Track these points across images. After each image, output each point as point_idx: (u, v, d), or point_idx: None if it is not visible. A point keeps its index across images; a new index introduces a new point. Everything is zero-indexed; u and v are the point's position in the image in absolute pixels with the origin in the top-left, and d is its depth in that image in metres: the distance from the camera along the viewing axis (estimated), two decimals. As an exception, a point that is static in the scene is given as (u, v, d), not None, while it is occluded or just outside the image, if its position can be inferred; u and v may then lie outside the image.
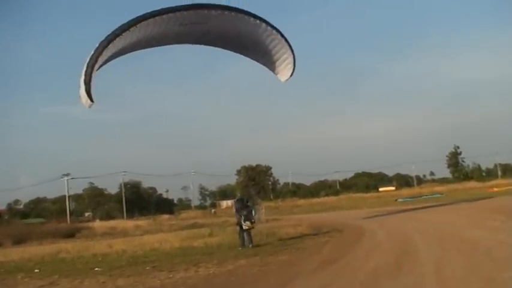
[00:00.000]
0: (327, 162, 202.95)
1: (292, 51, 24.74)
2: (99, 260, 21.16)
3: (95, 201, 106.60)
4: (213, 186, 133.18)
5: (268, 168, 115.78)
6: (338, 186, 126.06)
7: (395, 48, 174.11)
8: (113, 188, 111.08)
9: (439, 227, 22.77)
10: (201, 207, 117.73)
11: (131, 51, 23.60)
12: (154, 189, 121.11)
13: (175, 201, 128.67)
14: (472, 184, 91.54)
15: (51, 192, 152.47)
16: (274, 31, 23.70)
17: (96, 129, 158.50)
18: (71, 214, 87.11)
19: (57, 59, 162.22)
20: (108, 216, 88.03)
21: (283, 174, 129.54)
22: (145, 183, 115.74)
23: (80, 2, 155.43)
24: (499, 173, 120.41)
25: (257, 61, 26.21)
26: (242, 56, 26.20)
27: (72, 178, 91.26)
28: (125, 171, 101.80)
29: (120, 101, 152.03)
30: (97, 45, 20.14)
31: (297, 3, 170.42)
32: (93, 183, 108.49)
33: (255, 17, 22.83)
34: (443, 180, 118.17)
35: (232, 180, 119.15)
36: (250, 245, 20.80)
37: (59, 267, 19.24)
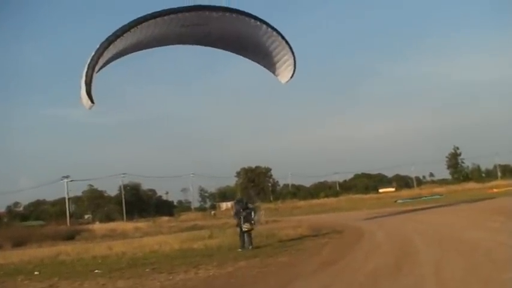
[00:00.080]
0: (326, 163, 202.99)
1: (292, 52, 24.80)
2: (98, 262, 21.16)
3: (95, 203, 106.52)
4: (212, 188, 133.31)
5: (268, 169, 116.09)
6: (338, 188, 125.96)
7: (395, 49, 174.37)
8: (112, 190, 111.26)
9: (438, 228, 22.78)
10: (200, 209, 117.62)
11: (132, 52, 23.66)
12: (153, 191, 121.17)
13: (175, 203, 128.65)
14: (471, 185, 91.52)
15: (50, 194, 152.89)
16: (274, 33, 23.75)
17: (95, 131, 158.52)
18: (70, 216, 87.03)
19: (57, 61, 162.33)
20: (108, 219, 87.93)
21: (283, 176, 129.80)
22: (145, 185, 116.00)
23: (80, 3, 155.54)
24: (499, 174, 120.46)
25: (257, 62, 26.26)
26: (242, 57, 26.25)
27: (71, 180, 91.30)
28: (124, 173, 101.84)
29: (119, 103, 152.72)
30: (98, 46, 20.17)
31: (297, 4, 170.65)
32: (92, 186, 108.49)
33: (256, 18, 22.88)
34: (442, 182, 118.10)
35: (232, 182, 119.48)
36: (250, 247, 20.81)
37: (59, 270, 19.25)
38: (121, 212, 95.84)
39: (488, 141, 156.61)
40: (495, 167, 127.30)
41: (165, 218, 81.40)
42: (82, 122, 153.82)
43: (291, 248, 20.22)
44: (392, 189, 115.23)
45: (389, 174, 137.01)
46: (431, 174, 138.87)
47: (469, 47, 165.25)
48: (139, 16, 20.59)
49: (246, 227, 21.31)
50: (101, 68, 21.52)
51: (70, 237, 45.32)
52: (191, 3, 21.64)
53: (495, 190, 66.03)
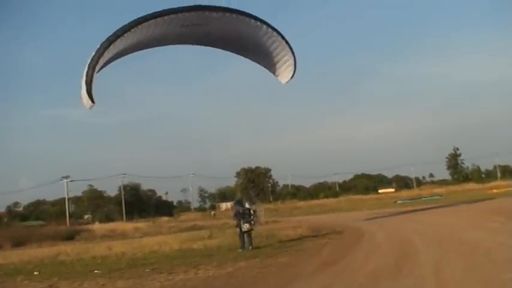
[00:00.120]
0: (326, 164, 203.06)
1: (293, 53, 24.80)
2: (98, 262, 21.16)
3: (95, 203, 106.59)
4: (212, 188, 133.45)
5: (268, 170, 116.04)
6: (337, 188, 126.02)
7: (395, 49, 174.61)
8: (112, 191, 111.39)
9: (438, 229, 22.78)
10: (200, 209, 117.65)
11: (132, 52, 23.67)
12: (153, 192, 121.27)
13: (174, 204, 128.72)
14: (471, 186, 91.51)
15: (50, 194, 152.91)
16: (275, 33, 23.76)
17: (95, 131, 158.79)
18: (70, 216, 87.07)
19: (57, 61, 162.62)
20: (108, 219, 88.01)
21: (283, 176, 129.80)
22: (145, 186, 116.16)
23: (80, 4, 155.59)
24: (498, 174, 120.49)
25: (258, 63, 26.26)
26: (243, 57, 26.25)
27: (71, 180, 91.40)
28: (124, 174, 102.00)
29: (119, 103, 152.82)
30: (98, 46, 20.19)
31: (297, 4, 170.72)
32: (92, 186, 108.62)
33: (256, 19, 22.89)
34: (442, 182, 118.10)
35: (232, 182, 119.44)
36: (250, 247, 20.81)
37: (59, 270, 19.24)
38: (121, 212, 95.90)
39: (488, 141, 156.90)
40: (495, 167, 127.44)
41: (165, 218, 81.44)
42: (82, 122, 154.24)
43: (291, 248, 20.22)
44: (392, 190, 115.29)
45: (389, 174, 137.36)
46: (431, 175, 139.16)
47: (469, 47, 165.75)
48: (139, 16, 20.62)
49: (245, 227, 21.32)
50: (102, 67, 21.53)
51: (70, 237, 45.32)
52: (191, 3, 21.68)
53: (495, 191, 66.07)
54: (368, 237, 22.54)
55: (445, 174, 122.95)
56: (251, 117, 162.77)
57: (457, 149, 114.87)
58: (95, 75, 20.37)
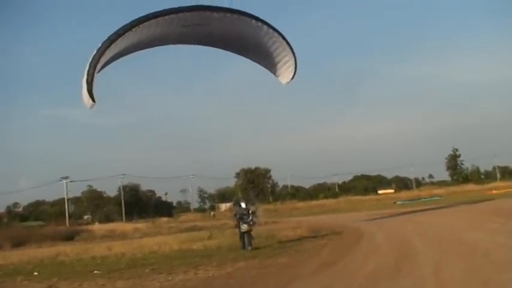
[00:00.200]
0: (325, 164, 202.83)
1: (293, 53, 24.82)
2: (98, 262, 21.17)
3: (94, 204, 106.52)
4: (212, 189, 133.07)
5: (267, 170, 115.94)
6: (337, 189, 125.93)
7: (396, 50, 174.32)
8: (111, 191, 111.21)
9: (438, 230, 22.79)
10: (200, 210, 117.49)
11: (134, 52, 23.69)
12: (153, 192, 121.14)
13: (174, 204, 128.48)
14: (470, 187, 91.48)
15: (50, 195, 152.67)
16: (275, 33, 23.78)
17: (95, 131, 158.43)
18: (70, 217, 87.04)
19: (57, 61, 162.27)
20: (107, 219, 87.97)
21: (282, 177, 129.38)
22: (144, 186, 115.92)
23: (81, 4, 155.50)
24: (498, 175, 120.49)
25: (258, 63, 26.28)
26: (243, 57, 26.26)
27: (71, 181, 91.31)
28: (123, 174, 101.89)
29: (118, 104, 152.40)
30: (99, 46, 20.21)
31: (297, 5, 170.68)
32: (92, 186, 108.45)
33: (257, 19, 22.92)
34: (442, 183, 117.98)
35: (232, 183, 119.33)
36: (250, 248, 20.81)
37: (58, 270, 19.25)
38: (120, 212, 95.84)
39: (487, 142, 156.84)
40: (494, 168, 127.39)
41: (164, 219, 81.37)
42: (82, 123, 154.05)
43: (290, 249, 20.24)
44: (392, 191, 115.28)
45: (389, 175, 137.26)
46: (431, 176, 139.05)
47: (469, 49, 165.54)
48: (140, 16, 20.65)
49: (244, 228, 21.34)
50: (103, 67, 21.56)
51: (69, 237, 45.32)
52: (192, 4, 21.72)
53: (494, 192, 66.09)
54: (367, 237, 22.55)
55: (445, 175, 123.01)
56: (251, 117, 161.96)
57: (457, 150, 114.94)
58: (96, 74, 20.39)
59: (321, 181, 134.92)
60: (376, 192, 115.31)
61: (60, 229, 55.03)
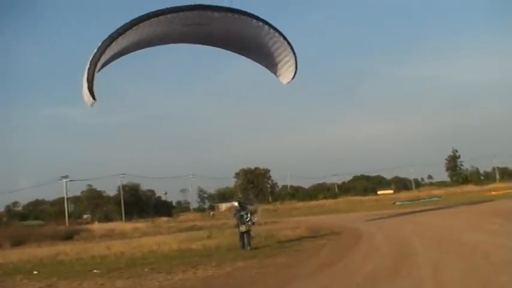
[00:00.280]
0: (325, 165, 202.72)
1: (294, 54, 24.83)
2: (97, 262, 21.16)
3: (94, 203, 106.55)
4: (211, 188, 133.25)
5: (267, 171, 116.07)
6: (336, 189, 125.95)
7: (396, 50, 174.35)
8: (111, 190, 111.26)
9: (437, 230, 22.80)
10: (199, 209, 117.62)
11: (134, 51, 23.69)
12: (152, 192, 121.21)
13: (173, 204, 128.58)
14: (470, 188, 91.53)
15: (49, 194, 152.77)
16: (276, 33, 23.79)
17: (95, 131, 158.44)
18: (69, 216, 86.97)
19: (57, 61, 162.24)
20: (107, 219, 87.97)
21: (282, 177, 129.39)
22: (144, 186, 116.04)
23: (81, 4, 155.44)
24: (497, 176, 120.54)
25: (259, 63, 26.28)
26: (244, 57, 26.26)
27: (70, 180, 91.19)
28: (123, 174, 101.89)
29: (118, 103, 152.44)
30: (100, 44, 20.22)
31: (297, 5, 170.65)
32: (91, 186, 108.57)
33: (258, 19, 22.93)
34: (441, 184, 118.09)
35: (231, 183, 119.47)
36: (249, 248, 20.83)
37: (58, 269, 19.26)
38: (120, 212, 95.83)
39: (486, 143, 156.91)
40: (494, 169, 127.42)
41: (164, 219, 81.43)
42: (81, 122, 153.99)
43: (290, 249, 20.25)
44: (391, 191, 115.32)
45: (388, 176, 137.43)
46: (430, 177, 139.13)
47: (469, 49, 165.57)
48: (141, 14, 20.67)
49: (242, 228, 21.38)
50: (103, 65, 21.56)
51: (69, 237, 45.31)
52: (194, 3, 21.72)
53: (493, 193, 66.07)
54: (366, 238, 22.56)
55: (444, 176, 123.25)
56: (251, 117, 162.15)
57: (456, 151, 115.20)
58: (96, 72, 20.41)
59: (321, 181, 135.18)
60: (376, 192, 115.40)
61: (60, 228, 55.05)
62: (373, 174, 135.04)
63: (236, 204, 23.46)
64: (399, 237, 21.07)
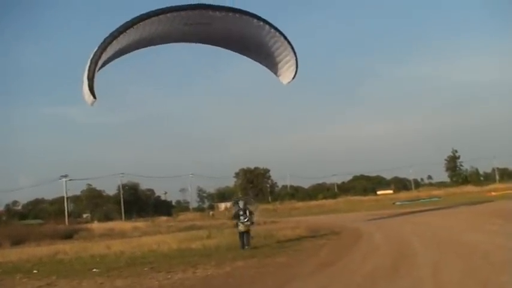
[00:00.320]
0: (325, 165, 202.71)
1: (295, 54, 24.82)
2: (97, 261, 21.16)
3: (93, 202, 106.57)
4: (211, 188, 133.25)
5: (267, 170, 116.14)
6: (336, 189, 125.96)
7: (396, 50, 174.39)
8: (111, 190, 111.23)
9: (437, 231, 22.81)
10: (199, 209, 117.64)
11: (135, 49, 23.69)
12: (152, 191, 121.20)
13: (173, 203, 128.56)
14: (469, 188, 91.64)
15: (49, 193, 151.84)
16: (277, 33, 23.80)
17: (95, 130, 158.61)
18: (69, 215, 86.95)
19: (57, 60, 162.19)
20: (106, 218, 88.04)
21: (282, 177, 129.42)
22: (144, 185, 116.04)
23: (81, 3, 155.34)
24: (497, 177, 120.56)
25: (260, 62, 26.28)
26: (245, 57, 26.26)
27: (70, 179, 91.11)
28: (123, 173, 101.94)
29: (118, 103, 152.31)
30: (101, 42, 20.22)
31: (297, 5, 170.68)
32: (91, 185, 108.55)
33: (259, 18, 22.94)
34: (441, 184, 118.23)
35: (231, 182, 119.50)
36: (247, 247, 20.83)
37: (57, 268, 19.25)
38: (119, 211, 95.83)
39: (486, 144, 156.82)
40: (493, 170, 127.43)
41: (164, 218, 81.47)
42: (81, 121, 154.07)
43: (289, 248, 20.25)
44: (391, 192, 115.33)
45: (388, 176, 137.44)
46: (430, 177, 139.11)
47: (469, 49, 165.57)
48: (142, 13, 20.68)
49: (240, 228, 21.39)
50: (104, 64, 21.57)
51: (68, 236, 45.25)
52: (195, 2, 21.72)
53: (493, 193, 66.16)
54: (366, 238, 22.57)
55: (444, 176, 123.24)
56: (250, 117, 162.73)
57: (456, 151, 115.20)
58: (97, 70, 20.41)
59: (320, 181, 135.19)
60: (375, 192, 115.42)
61: (60, 227, 55.03)
62: (373, 174, 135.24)
63: (234, 204, 23.45)
64: (399, 237, 21.08)
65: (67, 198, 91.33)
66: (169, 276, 14.83)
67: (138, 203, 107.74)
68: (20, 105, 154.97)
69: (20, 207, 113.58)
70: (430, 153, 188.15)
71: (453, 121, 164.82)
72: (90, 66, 20.05)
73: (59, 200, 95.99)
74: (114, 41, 20.27)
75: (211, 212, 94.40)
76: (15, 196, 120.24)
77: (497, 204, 41.60)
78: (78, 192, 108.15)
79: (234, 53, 26.01)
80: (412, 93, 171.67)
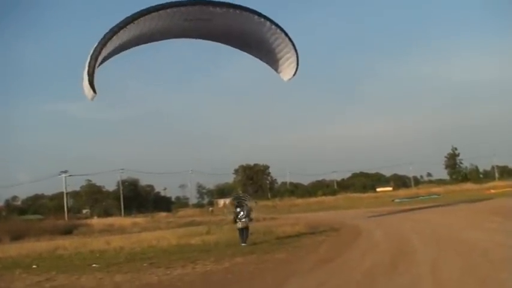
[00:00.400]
0: (324, 162, 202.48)
1: (295, 50, 24.77)
2: (96, 256, 21.21)
3: (93, 198, 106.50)
4: (210, 184, 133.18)
5: (266, 167, 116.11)
6: (335, 186, 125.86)
7: (396, 50, 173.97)
8: (110, 185, 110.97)
9: (436, 228, 22.83)
10: (198, 205, 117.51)
11: (135, 45, 23.65)
12: (152, 187, 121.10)
13: (173, 199, 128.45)
14: (469, 186, 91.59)
15: (49, 189, 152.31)
16: (278, 30, 23.75)
17: (94, 126, 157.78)
18: (68, 211, 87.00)
19: (57, 56, 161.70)
20: (106, 214, 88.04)
21: (281, 174, 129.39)
22: (143, 181, 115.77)
23: (80, 1, 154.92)
24: (496, 175, 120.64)
25: (260, 59, 26.24)
26: (245, 53, 26.22)
27: (70, 175, 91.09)
28: (122, 169, 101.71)
29: (118, 99, 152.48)
30: (101, 38, 20.18)
31: (297, 3, 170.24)
32: (90, 181, 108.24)
33: (260, 15, 22.90)
34: (440, 182, 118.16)
35: (230, 179, 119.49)
36: (244, 244, 20.85)
37: (57, 264, 19.29)
38: (119, 207, 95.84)
39: (486, 142, 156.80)
40: (493, 168, 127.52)
41: (163, 214, 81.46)
42: (81, 117, 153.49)
43: (288, 245, 20.29)
44: (390, 189, 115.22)
45: (387, 173, 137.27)
46: (429, 174, 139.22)
47: (469, 49, 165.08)
48: (142, 9, 20.65)
49: (239, 224, 21.43)
50: (104, 60, 21.53)
51: (68, 231, 45.25)
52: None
53: (493, 191, 66.10)
54: (365, 235, 22.60)
55: (443, 174, 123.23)
56: (251, 114, 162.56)
57: (456, 148, 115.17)
58: (97, 66, 20.39)
59: (320, 178, 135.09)
60: (375, 189, 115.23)
61: (59, 223, 55.05)
62: (373, 171, 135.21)
63: (234, 200, 23.49)
64: (398, 234, 21.11)
65: (67, 193, 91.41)
66: (168, 272, 14.87)
67: (138, 198, 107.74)
68: (20, 101, 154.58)
69: (19, 203, 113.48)
70: (430, 150, 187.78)
71: (453, 120, 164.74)
72: (90, 62, 20.04)
73: (59, 196, 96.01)
74: (115, 37, 20.24)
75: (210, 208, 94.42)
76: (14, 191, 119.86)
77: (496, 201, 41.64)
78: (77, 188, 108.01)
79: (235, 49, 25.98)
80: (412, 93, 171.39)
